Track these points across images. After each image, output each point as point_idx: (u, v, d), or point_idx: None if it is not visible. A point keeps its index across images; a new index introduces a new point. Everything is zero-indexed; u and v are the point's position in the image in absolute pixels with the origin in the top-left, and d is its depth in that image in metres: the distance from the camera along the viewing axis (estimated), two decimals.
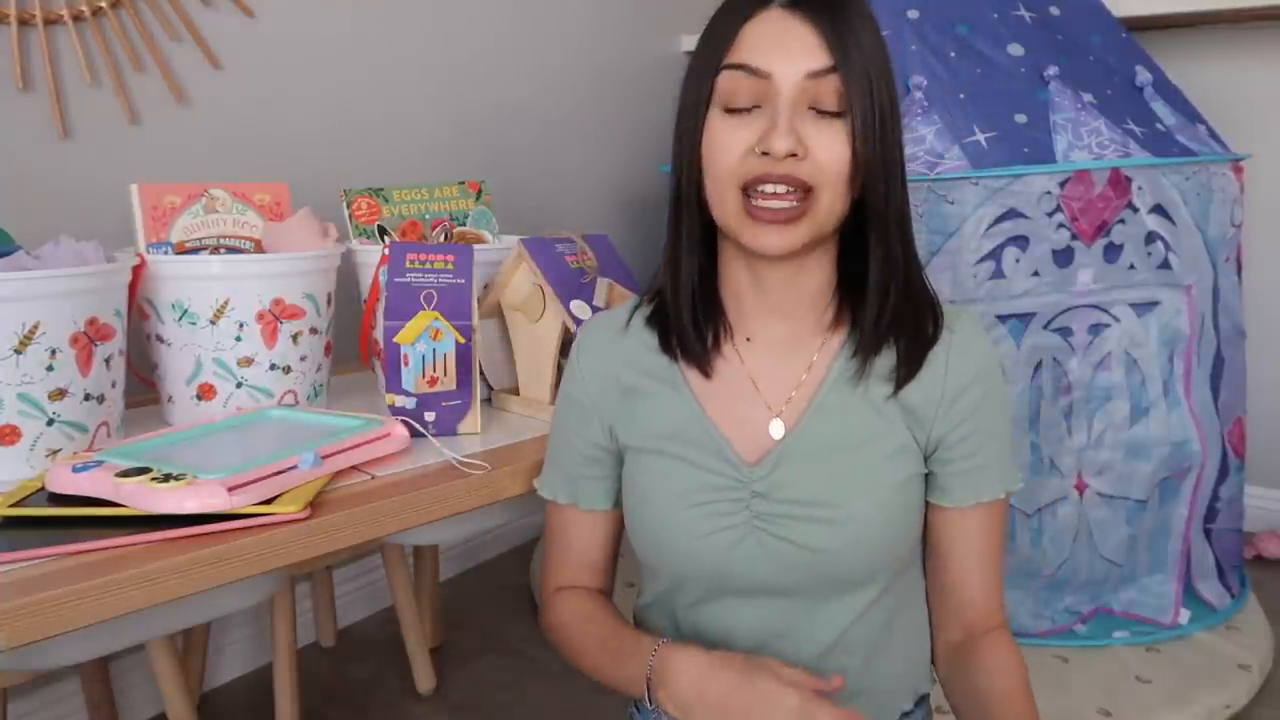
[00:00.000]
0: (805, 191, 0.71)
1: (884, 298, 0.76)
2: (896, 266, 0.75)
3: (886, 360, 0.77)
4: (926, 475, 0.79)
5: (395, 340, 1.03)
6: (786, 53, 0.70)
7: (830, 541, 0.75)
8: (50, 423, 0.96)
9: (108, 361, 1.01)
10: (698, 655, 0.73)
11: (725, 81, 0.72)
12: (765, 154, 0.69)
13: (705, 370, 0.80)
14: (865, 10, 0.72)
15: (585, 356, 0.86)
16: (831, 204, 0.71)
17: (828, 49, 0.69)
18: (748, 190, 0.71)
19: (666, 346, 0.82)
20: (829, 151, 0.70)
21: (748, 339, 0.81)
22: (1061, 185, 1.56)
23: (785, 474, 0.76)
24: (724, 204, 0.73)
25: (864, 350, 0.77)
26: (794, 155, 0.69)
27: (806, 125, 0.70)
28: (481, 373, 1.20)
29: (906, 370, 0.76)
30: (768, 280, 0.78)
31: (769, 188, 0.70)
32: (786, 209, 0.70)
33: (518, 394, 1.23)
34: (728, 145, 0.72)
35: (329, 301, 1.21)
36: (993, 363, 0.79)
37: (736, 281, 0.80)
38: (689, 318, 0.79)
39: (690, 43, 2.59)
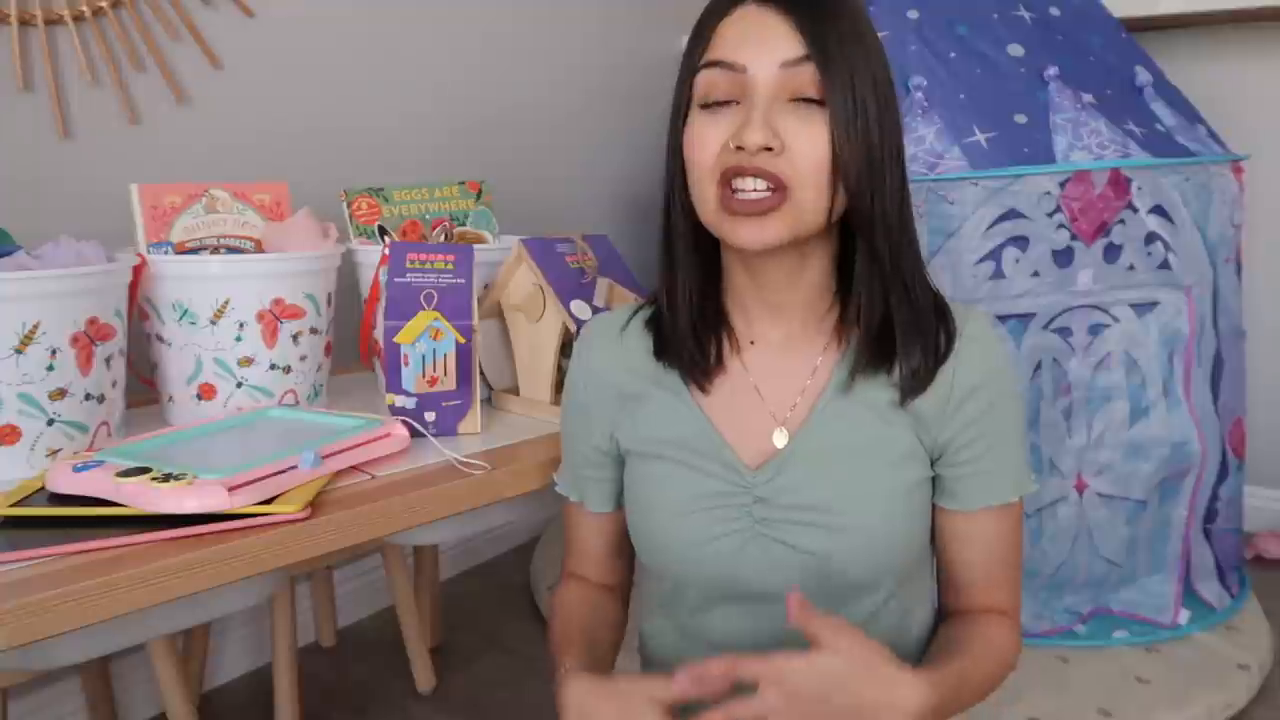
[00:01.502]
0: (781, 188, 0.69)
1: (870, 297, 0.74)
2: (882, 268, 0.74)
3: (895, 368, 0.76)
4: (934, 479, 0.79)
5: (395, 340, 1.03)
6: (760, 45, 0.69)
7: (833, 547, 0.74)
8: (50, 422, 0.96)
9: (108, 361, 1.01)
10: (580, 688, 0.73)
11: (703, 80, 0.71)
12: (740, 148, 0.68)
13: (704, 384, 0.80)
14: (849, 2, 0.71)
15: (584, 360, 0.86)
16: (814, 200, 0.70)
17: (802, 38, 0.68)
18: (724, 184, 0.70)
19: (662, 354, 0.81)
20: (807, 145, 0.68)
21: (751, 342, 0.80)
22: (1061, 185, 1.56)
23: (787, 479, 0.76)
24: (704, 201, 0.72)
25: (861, 354, 0.76)
26: (769, 149, 0.68)
27: (785, 118, 0.69)
28: (481, 373, 1.20)
29: (917, 381, 0.75)
30: (765, 277, 0.77)
31: (745, 181, 0.69)
32: (761, 198, 0.69)
33: (518, 394, 1.23)
34: (705, 141, 0.71)
35: (329, 301, 1.21)
36: (1004, 364, 0.78)
37: (737, 284, 0.79)
38: (688, 329, 0.79)
39: None
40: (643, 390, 0.82)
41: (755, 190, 0.69)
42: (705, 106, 0.71)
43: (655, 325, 0.82)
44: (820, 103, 0.69)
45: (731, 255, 0.78)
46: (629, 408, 0.83)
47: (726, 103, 0.71)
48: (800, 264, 0.76)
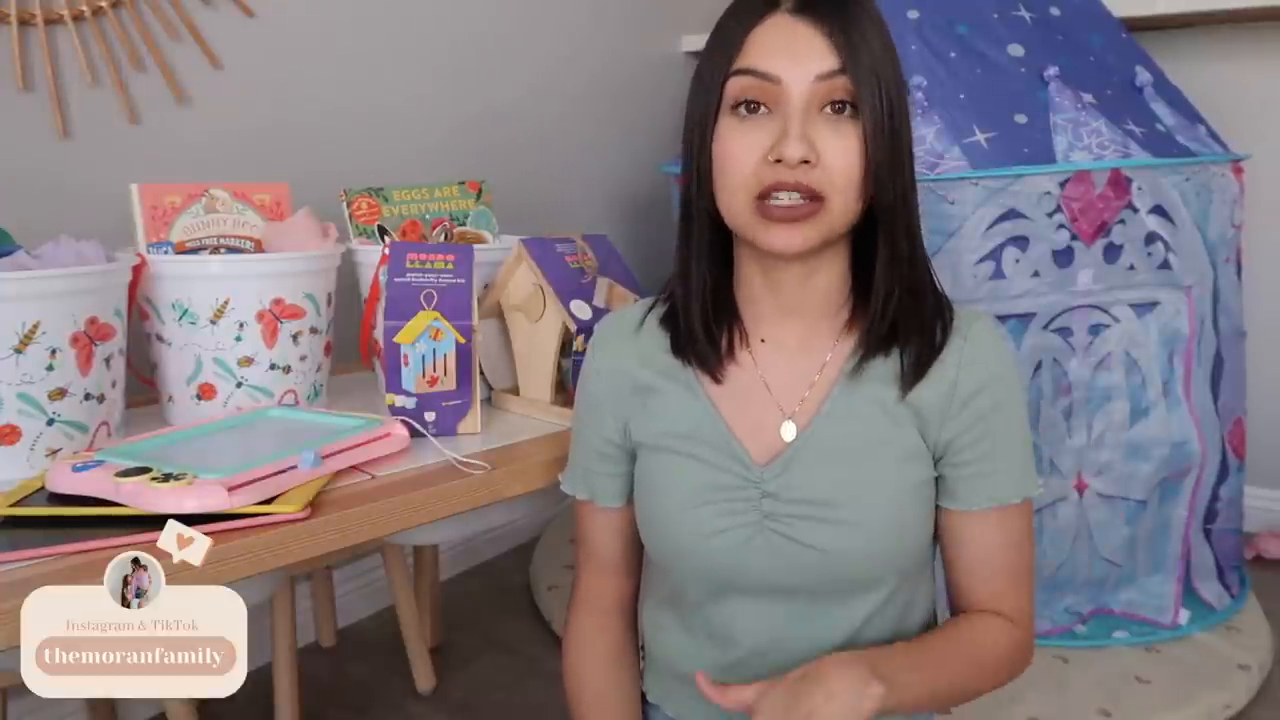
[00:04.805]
0: (816, 198, 0.71)
1: (888, 296, 0.76)
2: (902, 265, 0.75)
3: (896, 363, 0.77)
4: (937, 480, 0.79)
5: (395, 340, 1.03)
6: (795, 56, 0.70)
7: (839, 543, 0.75)
8: (50, 422, 0.96)
9: (108, 361, 1.01)
10: None
11: (735, 87, 0.73)
12: (778, 161, 0.70)
13: (717, 377, 0.81)
14: (874, 12, 0.73)
15: (599, 353, 0.87)
16: (844, 207, 0.72)
17: (836, 51, 0.70)
18: (761, 196, 0.72)
19: (678, 349, 0.82)
20: (840, 157, 0.70)
21: (762, 340, 0.81)
22: (1061, 185, 1.56)
23: (796, 475, 0.77)
24: (736, 209, 0.74)
25: (867, 349, 0.77)
26: (806, 162, 0.70)
27: (819, 128, 0.71)
28: (481, 373, 1.20)
29: (914, 374, 0.76)
30: (781, 280, 0.78)
31: (782, 195, 0.71)
32: (797, 205, 0.71)
33: (518, 394, 1.23)
34: (740, 152, 0.72)
35: (329, 301, 1.21)
36: (1007, 369, 0.79)
37: (750, 283, 0.80)
38: (701, 325, 0.80)
39: (690, 43, 2.59)
40: (656, 383, 0.83)
41: (792, 199, 0.71)
42: (738, 116, 0.73)
43: (670, 321, 0.83)
44: (852, 113, 0.71)
45: (748, 256, 0.80)
46: (642, 400, 0.84)
47: (757, 109, 0.72)
48: (815, 267, 0.77)
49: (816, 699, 0.67)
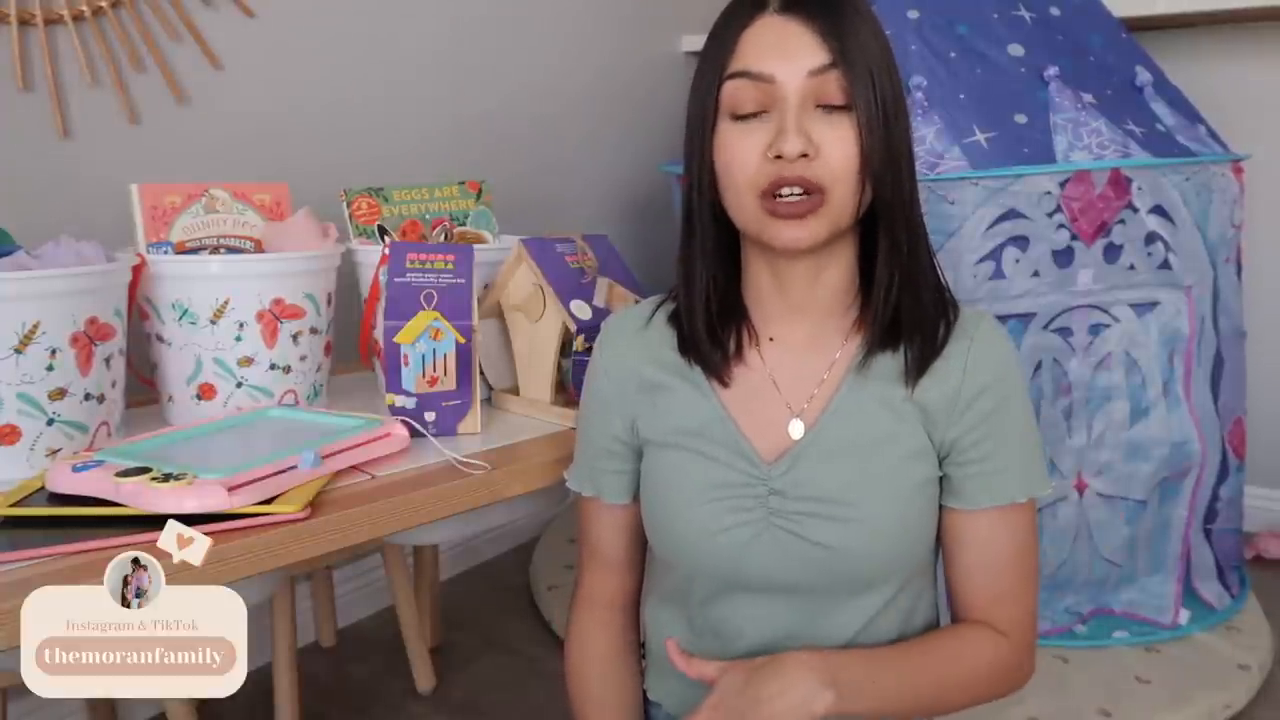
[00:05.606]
0: (818, 191, 0.72)
1: (889, 285, 0.77)
2: (900, 255, 0.76)
3: (902, 360, 0.78)
4: (941, 479, 0.80)
5: (395, 340, 1.03)
6: (786, 55, 0.71)
7: (845, 540, 0.76)
8: (50, 422, 0.96)
9: (108, 361, 1.01)
10: None
11: (730, 90, 0.74)
12: (778, 157, 0.71)
13: (723, 379, 0.81)
14: (862, 7, 0.74)
15: (606, 351, 0.88)
16: (845, 199, 0.73)
17: (826, 46, 0.71)
18: (765, 195, 0.73)
19: (684, 349, 0.83)
20: (838, 149, 0.71)
21: (770, 339, 0.82)
22: (1061, 185, 1.56)
23: (803, 472, 0.77)
24: (743, 209, 0.75)
25: (872, 342, 0.78)
26: (805, 155, 0.71)
27: (815, 123, 0.72)
28: (481, 372, 1.20)
29: (917, 368, 0.77)
30: (789, 279, 0.79)
31: (785, 191, 0.72)
32: (801, 201, 0.72)
33: (518, 394, 1.23)
34: (742, 153, 0.73)
35: (329, 301, 1.21)
36: (1012, 369, 0.79)
37: (758, 283, 0.81)
38: (705, 328, 0.81)
39: (690, 43, 2.59)
40: (665, 381, 0.83)
41: (794, 195, 0.72)
42: (737, 118, 0.74)
43: (679, 320, 0.84)
44: (846, 106, 0.72)
45: (755, 256, 0.80)
46: (650, 397, 0.84)
47: (756, 113, 0.73)
48: (823, 264, 0.78)
49: (769, 689, 0.70)
